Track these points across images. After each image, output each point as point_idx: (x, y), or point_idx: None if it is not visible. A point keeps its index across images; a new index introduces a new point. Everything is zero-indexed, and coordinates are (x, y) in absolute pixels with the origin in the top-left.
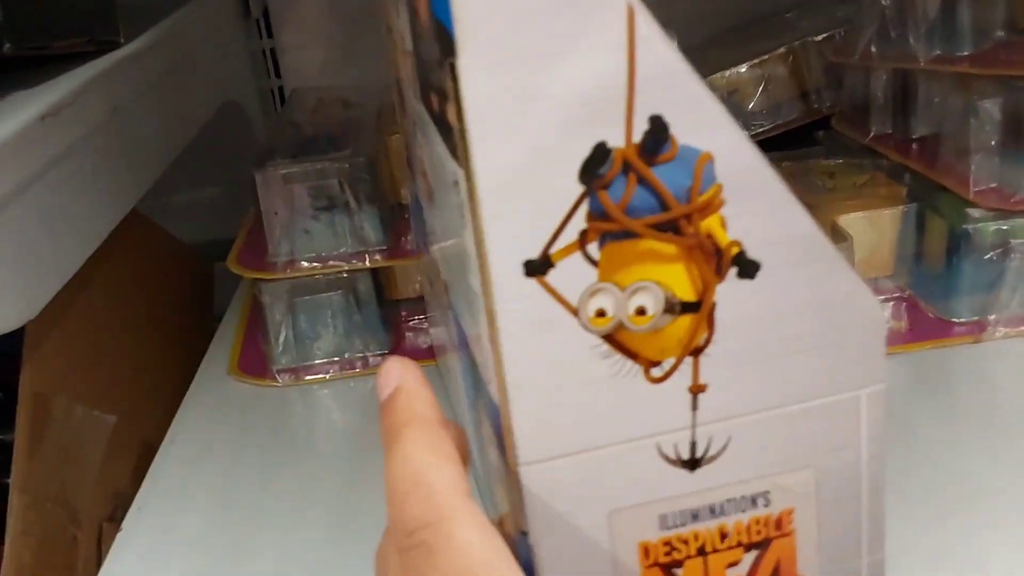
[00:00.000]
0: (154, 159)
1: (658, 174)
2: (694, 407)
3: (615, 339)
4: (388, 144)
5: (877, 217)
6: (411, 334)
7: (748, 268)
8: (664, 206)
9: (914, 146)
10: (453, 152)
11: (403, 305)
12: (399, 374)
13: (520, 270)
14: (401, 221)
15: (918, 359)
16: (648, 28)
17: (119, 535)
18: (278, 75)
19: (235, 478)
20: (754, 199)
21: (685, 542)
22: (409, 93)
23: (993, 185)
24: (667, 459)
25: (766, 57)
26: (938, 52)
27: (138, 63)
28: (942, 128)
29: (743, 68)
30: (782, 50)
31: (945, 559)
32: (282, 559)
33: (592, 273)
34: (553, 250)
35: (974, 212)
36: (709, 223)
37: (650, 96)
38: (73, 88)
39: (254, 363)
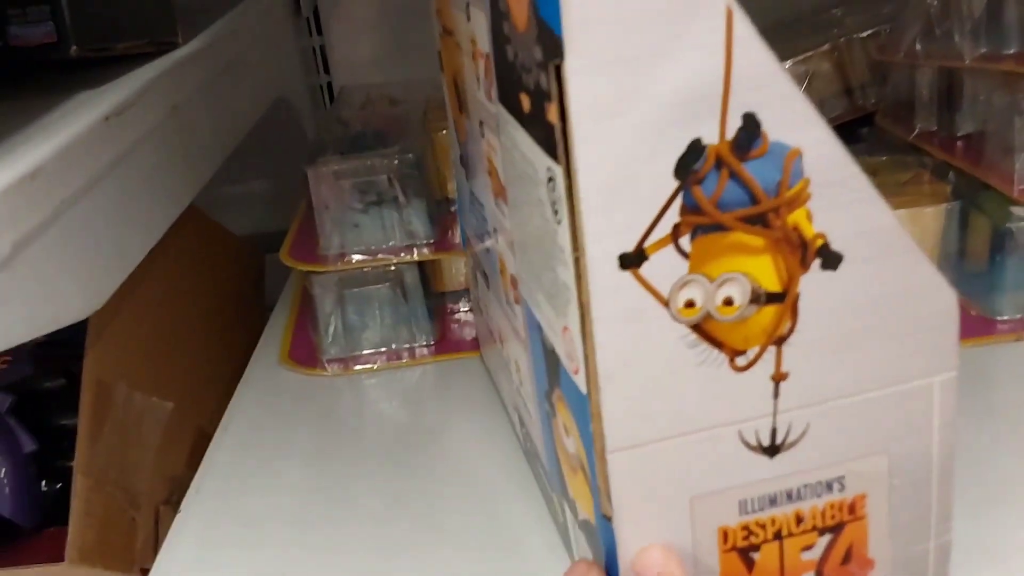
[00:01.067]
0: (210, 155)
1: (749, 169)
2: (776, 394)
3: (702, 329)
4: (435, 140)
5: (919, 215)
6: (456, 325)
7: (832, 260)
8: (754, 199)
9: (959, 144)
10: (550, 150)
11: (448, 297)
12: (661, 563)
13: (615, 263)
14: (447, 215)
15: (961, 357)
16: (745, 29)
17: (178, 517)
18: (327, 72)
19: (287, 463)
20: (839, 193)
21: (763, 527)
22: (477, 94)
23: None
24: (748, 445)
25: (811, 54)
26: (984, 50)
27: (195, 63)
28: (987, 126)
29: (787, 64)
30: (827, 47)
31: (976, 553)
32: (332, 540)
33: (683, 265)
34: (648, 243)
35: (1018, 210)
36: (796, 216)
37: (745, 95)
38: (135, 89)
39: (304, 353)
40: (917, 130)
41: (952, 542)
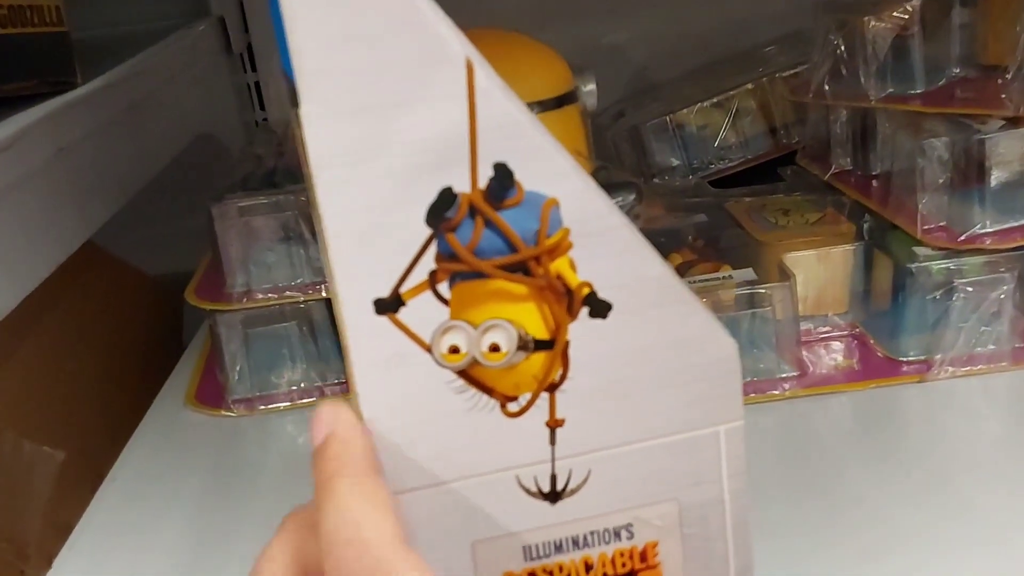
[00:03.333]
0: (109, 195)
1: (505, 218)
2: (552, 441)
3: (470, 375)
4: None
5: (826, 255)
6: None
7: (600, 308)
8: (512, 248)
9: (873, 183)
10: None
11: None
12: (331, 420)
13: (371, 308)
14: None
15: (865, 398)
16: (488, 81)
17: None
18: (263, 108)
19: (173, 514)
20: (602, 243)
21: (550, 573)
22: None
23: (942, 224)
24: (527, 491)
25: (733, 92)
26: (891, 90)
27: (91, 103)
28: (894, 166)
29: (712, 102)
30: (750, 85)
31: None
32: None
33: (443, 311)
34: (404, 289)
35: (921, 251)
36: (558, 265)
37: (494, 144)
38: (16, 129)
39: (211, 394)
40: (833, 169)
41: None
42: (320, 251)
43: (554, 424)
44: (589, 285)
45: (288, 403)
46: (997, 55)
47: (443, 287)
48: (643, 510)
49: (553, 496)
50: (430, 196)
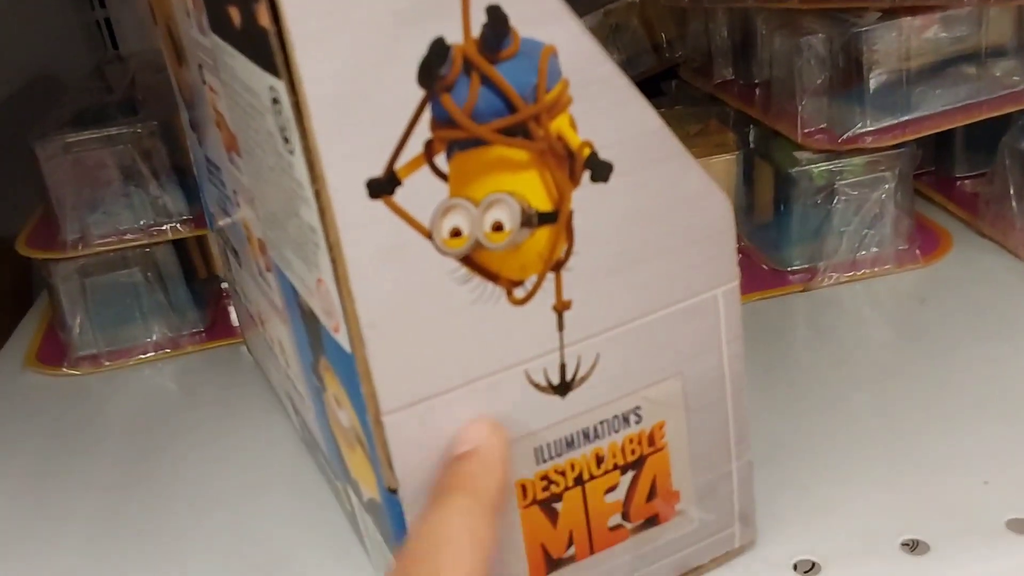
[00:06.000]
0: None
1: (502, 71)
2: (560, 326)
3: (473, 261)
4: None
5: (707, 165)
6: (232, 309)
7: (601, 170)
8: (511, 107)
9: (756, 92)
10: (268, 64)
11: (222, 280)
12: (485, 439)
13: (364, 192)
14: None
15: (749, 310)
16: None
17: None
18: (116, 46)
19: (6, 477)
20: (601, 94)
21: (562, 473)
22: (191, 32)
23: (822, 126)
24: (537, 387)
25: (613, 7)
26: None
27: None
28: (774, 71)
29: (594, 18)
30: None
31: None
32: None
33: (443, 189)
34: (398, 165)
35: (802, 155)
36: (559, 124)
37: None
38: None
39: (54, 353)
40: (716, 80)
41: (753, 463)
42: (265, 149)
43: (562, 307)
44: (590, 145)
45: (135, 359)
46: None
47: (440, 159)
48: (650, 390)
49: (563, 388)
50: (420, 49)
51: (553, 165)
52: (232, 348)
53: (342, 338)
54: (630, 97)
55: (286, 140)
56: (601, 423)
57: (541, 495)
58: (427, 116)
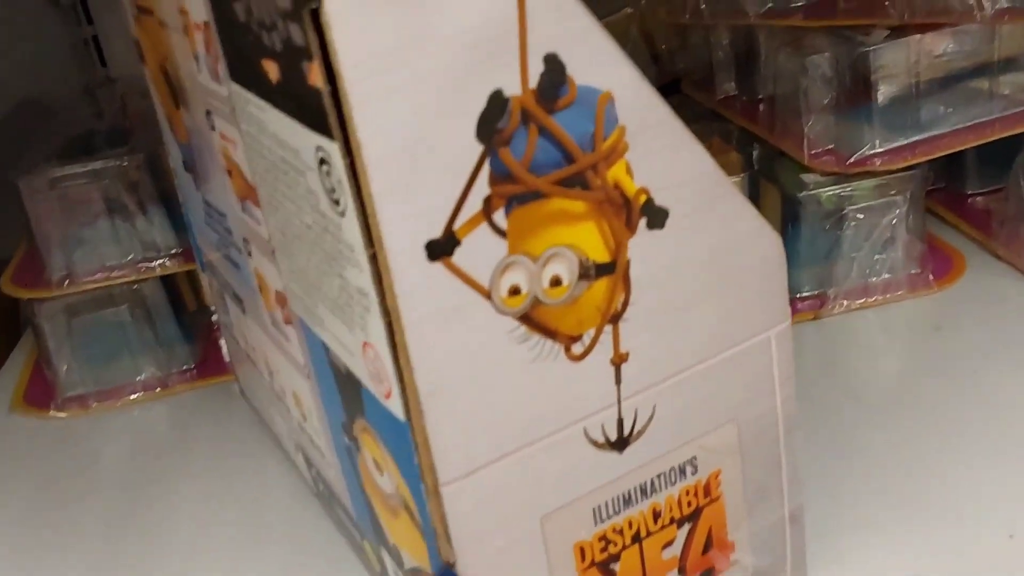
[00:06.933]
0: None
1: (559, 121)
2: (618, 380)
3: (531, 318)
4: None
5: None
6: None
7: (658, 217)
8: (569, 158)
9: (760, 108)
10: (318, 124)
11: (212, 312)
12: None
13: (423, 255)
14: None
15: None
16: None
17: None
18: (104, 65)
19: None
20: (656, 140)
21: (620, 532)
22: (199, 77)
23: (829, 147)
24: (595, 444)
25: (612, 18)
26: (770, 5)
27: None
28: (779, 88)
29: None
30: (628, 10)
31: None
32: None
33: (501, 246)
34: (457, 225)
35: (809, 178)
36: (615, 171)
37: (542, 31)
38: None
39: (41, 395)
40: (719, 95)
41: (804, 505)
42: (300, 206)
43: (619, 360)
44: (646, 191)
45: (127, 398)
46: None
47: (499, 216)
48: (706, 438)
49: (621, 443)
50: (478, 103)
51: (610, 214)
52: (224, 386)
53: (394, 405)
54: (684, 140)
55: (336, 202)
56: (658, 476)
57: (599, 556)
58: (486, 172)
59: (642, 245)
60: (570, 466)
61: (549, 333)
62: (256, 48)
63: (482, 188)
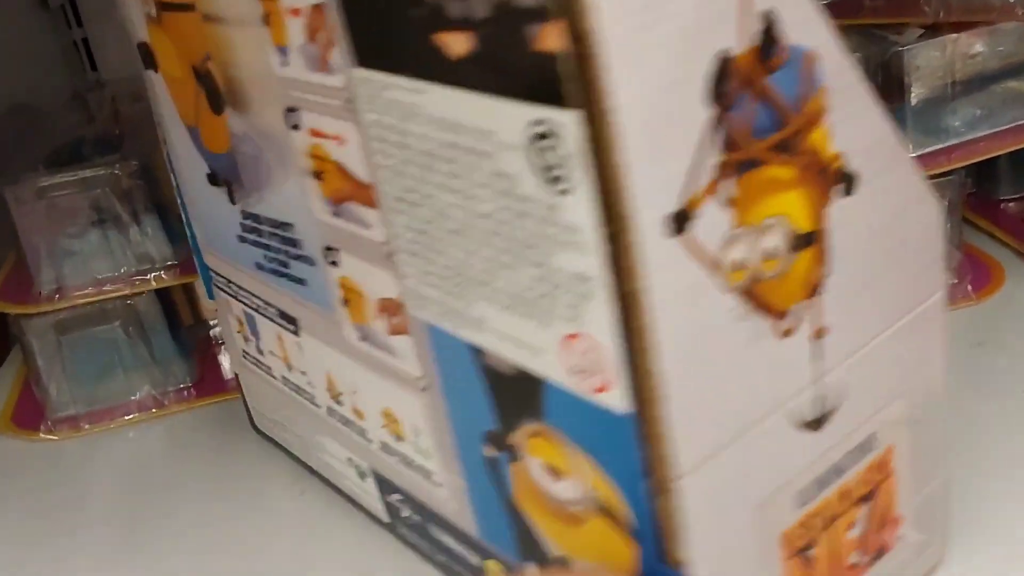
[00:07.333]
0: None
1: (773, 84)
2: (818, 356)
3: (750, 294)
4: None
5: None
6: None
7: (850, 182)
8: (781, 122)
9: None
10: (542, 94)
11: (210, 326)
12: None
13: (664, 229)
14: None
15: None
16: None
17: None
18: (94, 68)
19: None
20: (851, 102)
21: (816, 516)
22: (282, 70)
23: None
24: (797, 424)
25: None
26: None
27: None
28: None
29: None
30: None
31: None
32: None
33: (726, 218)
34: (690, 196)
35: None
36: (816, 136)
37: None
38: None
39: (30, 416)
40: None
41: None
42: (518, 179)
43: (819, 335)
44: (840, 156)
45: (121, 419)
46: None
47: (725, 186)
48: (883, 412)
49: (817, 423)
50: (706, 67)
51: (811, 180)
52: (224, 405)
53: (611, 398)
54: (871, 102)
55: (555, 180)
56: (847, 455)
57: (799, 544)
58: (714, 139)
59: (836, 211)
60: (778, 451)
61: (763, 310)
62: (427, 22)
63: (711, 156)
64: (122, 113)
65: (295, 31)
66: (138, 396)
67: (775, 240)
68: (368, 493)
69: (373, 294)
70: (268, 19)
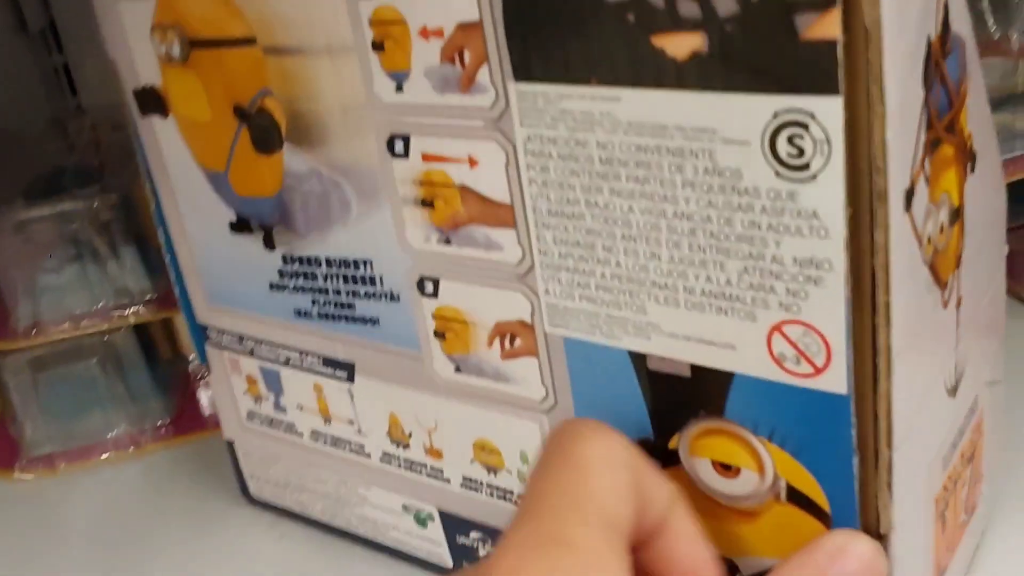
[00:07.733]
0: None
1: (947, 67)
2: (957, 323)
3: (933, 267)
4: None
5: None
6: (203, 395)
7: (974, 160)
8: (950, 103)
9: None
10: (794, 83)
11: (188, 362)
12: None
13: (902, 206)
14: None
15: None
16: None
17: None
18: (75, 93)
19: None
20: (976, 86)
21: (951, 478)
22: (403, 95)
23: None
24: (948, 391)
25: None
26: None
27: None
28: None
29: None
30: None
31: None
32: None
33: (926, 193)
34: (912, 174)
35: None
36: (963, 116)
37: None
38: None
39: (3, 455)
40: None
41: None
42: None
43: (959, 303)
44: (971, 136)
45: (98, 458)
46: None
47: (926, 163)
48: (982, 376)
49: (954, 389)
50: (923, 50)
51: (960, 159)
52: (202, 443)
53: (829, 380)
54: (982, 86)
55: (800, 167)
56: (965, 418)
57: (941, 506)
58: (925, 118)
59: (968, 188)
60: (938, 417)
61: (939, 281)
62: (639, 27)
63: (922, 135)
64: (102, 142)
65: (424, 53)
66: (115, 434)
67: (944, 215)
68: (428, 540)
69: (487, 319)
70: (382, 44)
